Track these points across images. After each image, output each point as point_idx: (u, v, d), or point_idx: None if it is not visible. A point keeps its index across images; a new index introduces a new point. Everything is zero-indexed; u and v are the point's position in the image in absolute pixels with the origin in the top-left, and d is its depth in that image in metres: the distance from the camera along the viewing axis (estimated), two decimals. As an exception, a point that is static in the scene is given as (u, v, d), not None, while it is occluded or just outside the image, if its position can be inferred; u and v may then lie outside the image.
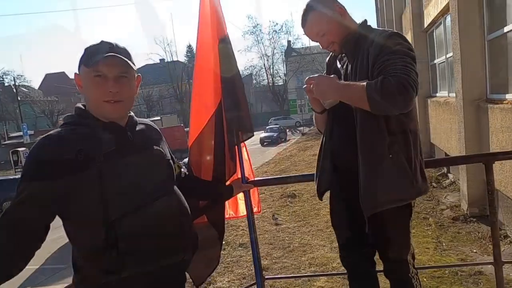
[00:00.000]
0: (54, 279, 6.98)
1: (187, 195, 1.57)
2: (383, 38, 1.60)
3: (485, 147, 5.27)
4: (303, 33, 1.80)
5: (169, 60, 46.29)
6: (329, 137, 1.84)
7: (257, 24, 47.34)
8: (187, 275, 1.74)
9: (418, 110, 10.01)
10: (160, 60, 47.34)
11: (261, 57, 41.71)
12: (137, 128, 1.46)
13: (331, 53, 1.87)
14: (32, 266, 7.99)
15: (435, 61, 9.06)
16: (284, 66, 41.81)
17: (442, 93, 8.70)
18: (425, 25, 9.12)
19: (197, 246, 1.53)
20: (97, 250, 1.28)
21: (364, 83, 1.51)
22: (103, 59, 1.29)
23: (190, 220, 1.52)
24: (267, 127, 29.09)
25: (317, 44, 1.82)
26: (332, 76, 1.67)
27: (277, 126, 29.49)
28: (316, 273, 4.43)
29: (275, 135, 26.36)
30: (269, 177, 3.82)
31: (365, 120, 1.61)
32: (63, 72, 59.38)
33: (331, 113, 1.81)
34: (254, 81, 48.68)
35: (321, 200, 1.95)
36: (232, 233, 6.68)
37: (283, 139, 26.58)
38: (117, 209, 1.27)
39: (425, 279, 3.90)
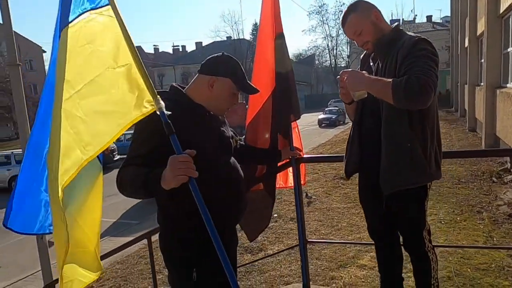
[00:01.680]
0: (127, 232, 7.76)
1: (244, 159, 1.90)
2: (412, 42, 1.77)
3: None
4: (343, 31, 2.01)
5: (235, 38, 46.82)
6: (358, 125, 2.05)
7: (323, 4, 45.89)
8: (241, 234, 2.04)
9: (485, 100, 9.36)
10: (227, 37, 48.01)
11: (325, 37, 40.83)
12: (211, 112, 1.75)
13: (365, 51, 2.04)
14: (109, 219, 8.95)
15: (509, 50, 8.36)
16: (348, 47, 40.42)
17: (513, 85, 8.07)
18: (501, 11, 8.40)
19: (246, 209, 1.81)
20: (179, 194, 1.55)
21: (391, 80, 1.69)
22: (251, 90, 1.75)
23: (244, 186, 1.80)
24: (326, 109, 28.48)
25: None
26: (363, 71, 1.85)
27: (337, 108, 28.75)
28: (356, 242, 4.54)
29: (333, 117, 25.85)
30: (316, 155, 4.21)
31: (390, 113, 1.82)
32: (140, 47, 62.64)
33: (360, 104, 2.01)
34: (317, 62, 47.71)
35: (348, 179, 2.20)
36: (284, 208, 6.95)
37: (342, 122, 26.00)
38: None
39: (469, 270, 3.87)
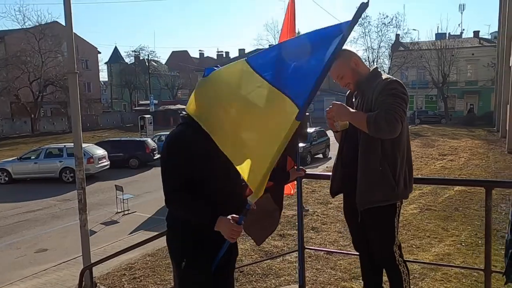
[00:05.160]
0: (161, 227, 8.19)
1: None
2: (385, 83, 2.11)
3: None
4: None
5: (277, 47, 47.02)
6: (341, 151, 2.36)
7: (366, 16, 45.20)
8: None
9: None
10: (269, 45, 48.40)
11: (366, 49, 39.93)
12: None
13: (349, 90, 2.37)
14: (145, 214, 9.48)
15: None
16: (389, 60, 39.53)
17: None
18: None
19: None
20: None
21: (367, 114, 2.06)
22: None
23: (244, 190, 2.07)
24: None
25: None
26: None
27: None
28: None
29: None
30: (318, 173, 4.46)
31: (366, 141, 2.13)
32: (186, 51, 64.46)
33: (343, 133, 2.31)
34: (357, 73, 46.86)
35: (333, 197, 2.47)
36: (308, 218, 7.10)
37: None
38: (209, 179, 1.89)
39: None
